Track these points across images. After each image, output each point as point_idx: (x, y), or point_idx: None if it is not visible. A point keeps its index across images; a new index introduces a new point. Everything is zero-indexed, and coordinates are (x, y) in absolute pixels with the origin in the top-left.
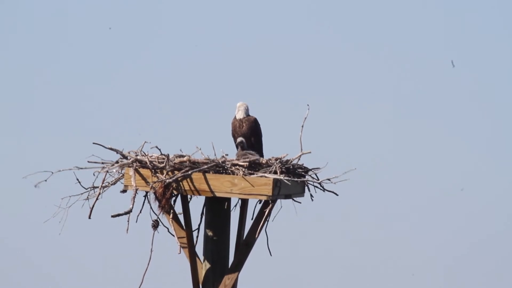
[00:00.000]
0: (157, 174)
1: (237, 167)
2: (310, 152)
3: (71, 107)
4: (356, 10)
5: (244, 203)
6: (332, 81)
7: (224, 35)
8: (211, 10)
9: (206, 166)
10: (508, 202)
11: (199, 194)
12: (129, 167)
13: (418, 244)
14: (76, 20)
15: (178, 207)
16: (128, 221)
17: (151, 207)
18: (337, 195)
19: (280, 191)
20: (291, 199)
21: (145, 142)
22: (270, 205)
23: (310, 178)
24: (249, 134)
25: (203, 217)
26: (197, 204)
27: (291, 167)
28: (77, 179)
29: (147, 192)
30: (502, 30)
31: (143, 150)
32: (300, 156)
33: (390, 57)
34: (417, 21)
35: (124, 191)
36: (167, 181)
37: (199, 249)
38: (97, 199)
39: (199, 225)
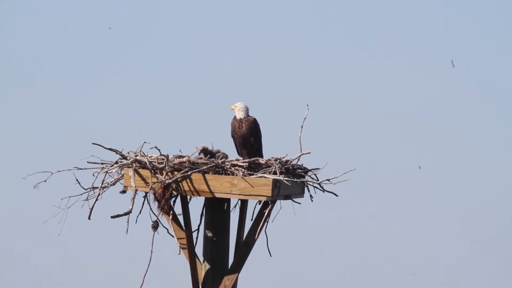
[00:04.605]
0: (157, 175)
1: (237, 167)
2: (309, 153)
3: (70, 107)
4: (356, 10)
5: (243, 204)
6: (332, 81)
7: (224, 36)
8: (211, 10)
9: (205, 167)
10: (508, 202)
11: (199, 195)
12: (128, 167)
13: (418, 244)
14: (76, 20)
15: (178, 208)
16: (127, 222)
17: (150, 208)
18: (336, 195)
19: (280, 191)
20: (290, 200)
21: (145, 142)
22: (270, 206)
23: (309, 179)
24: (249, 135)
25: (203, 218)
26: (196, 205)
27: (290, 168)
28: (77, 180)
29: (146, 193)
30: (502, 29)
31: (142, 151)
32: (300, 156)
33: (390, 57)
34: (417, 21)
35: (123, 191)
36: (167, 181)
37: (199, 250)
38: (96, 199)
39: (198, 226)
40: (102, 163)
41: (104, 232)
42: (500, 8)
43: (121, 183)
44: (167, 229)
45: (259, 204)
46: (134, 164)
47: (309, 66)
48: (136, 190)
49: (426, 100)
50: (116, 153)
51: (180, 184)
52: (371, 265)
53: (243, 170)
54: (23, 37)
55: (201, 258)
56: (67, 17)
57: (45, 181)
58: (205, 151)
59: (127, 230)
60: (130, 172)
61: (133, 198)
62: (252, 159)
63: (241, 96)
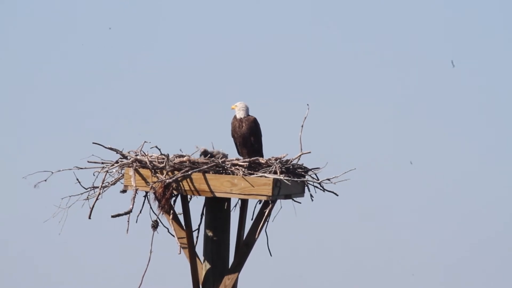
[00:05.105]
0: (157, 174)
1: (237, 167)
2: (310, 152)
3: (70, 107)
4: (356, 10)
5: (244, 203)
6: (332, 81)
7: (224, 35)
8: (211, 10)
9: (206, 166)
10: (508, 202)
11: (199, 194)
12: (129, 167)
13: (418, 244)
14: (76, 20)
15: (178, 207)
16: (128, 221)
17: (151, 207)
18: (337, 195)
19: (280, 191)
20: (291, 199)
21: (145, 142)
22: (270, 205)
23: (310, 178)
24: (249, 134)
25: (203, 218)
26: (197, 204)
27: (291, 167)
28: (77, 179)
29: (147, 192)
30: (502, 29)
31: (143, 150)
32: (300, 156)
33: (390, 57)
34: (418, 21)
35: (124, 191)
36: (167, 181)
37: (199, 249)
38: (97, 199)
39: (199, 226)
40: (102, 163)
41: (104, 232)
42: (500, 8)
43: (122, 183)
44: (168, 229)
45: (260, 203)
46: (134, 164)
47: (310, 66)
48: (136, 190)
49: (426, 100)
50: (117, 153)
51: (181, 183)
52: (371, 265)
53: (243, 169)
54: (23, 37)
55: (202, 258)
56: (67, 17)
57: (45, 180)
58: (205, 153)
59: (127, 230)
60: (131, 171)
61: (134, 198)
62: (252, 158)
63: (241, 96)
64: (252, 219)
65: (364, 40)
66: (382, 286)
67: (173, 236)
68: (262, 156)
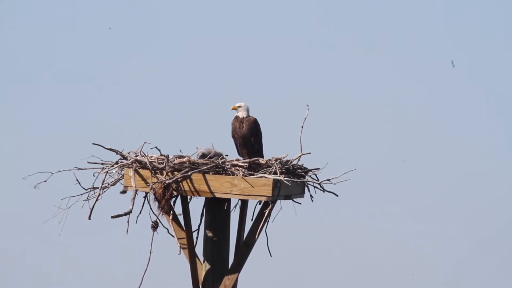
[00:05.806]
0: (157, 175)
1: (237, 167)
2: (310, 153)
3: (71, 107)
4: (356, 10)
5: (244, 204)
6: (332, 81)
7: (224, 36)
8: (211, 10)
9: (206, 167)
10: (508, 202)
11: (199, 195)
12: (128, 167)
13: (418, 244)
14: (76, 20)
15: (178, 208)
16: (128, 222)
17: (150, 208)
18: (337, 195)
19: (280, 191)
20: (291, 200)
21: (145, 142)
22: (270, 206)
23: (310, 179)
24: (249, 135)
25: (203, 218)
26: (197, 205)
27: (291, 168)
28: (77, 180)
29: (146, 193)
30: (502, 29)
31: (142, 151)
32: (300, 156)
33: (390, 57)
34: (418, 21)
35: (123, 191)
36: (167, 181)
37: (199, 250)
38: (97, 199)
39: (199, 226)
40: (102, 163)
41: (104, 232)
42: (500, 8)
43: (121, 183)
44: (167, 229)
45: (260, 204)
46: (134, 164)
47: (310, 66)
48: (136, 190)
49: (426, 100)
50: (117, 153)
51: (180, 184)
52: (371, 265)
53: (243, 170)
54: (23, 37)
55: (201, 258)
56: (67, 17)
57: (45, 181)
58: (203, 156)
59: (127, 230)
60: (131, 172)
61: (133, 198)
62: (252, 159)
63: (241, 96)
64: (252, 220)
65: (364, 40)
66: (382, 286)
67: (173, 236)
68: (262, 156)
